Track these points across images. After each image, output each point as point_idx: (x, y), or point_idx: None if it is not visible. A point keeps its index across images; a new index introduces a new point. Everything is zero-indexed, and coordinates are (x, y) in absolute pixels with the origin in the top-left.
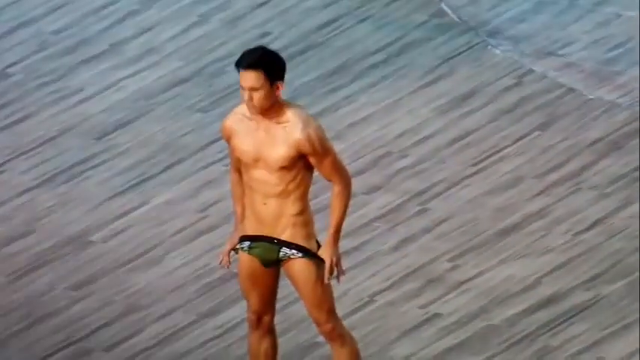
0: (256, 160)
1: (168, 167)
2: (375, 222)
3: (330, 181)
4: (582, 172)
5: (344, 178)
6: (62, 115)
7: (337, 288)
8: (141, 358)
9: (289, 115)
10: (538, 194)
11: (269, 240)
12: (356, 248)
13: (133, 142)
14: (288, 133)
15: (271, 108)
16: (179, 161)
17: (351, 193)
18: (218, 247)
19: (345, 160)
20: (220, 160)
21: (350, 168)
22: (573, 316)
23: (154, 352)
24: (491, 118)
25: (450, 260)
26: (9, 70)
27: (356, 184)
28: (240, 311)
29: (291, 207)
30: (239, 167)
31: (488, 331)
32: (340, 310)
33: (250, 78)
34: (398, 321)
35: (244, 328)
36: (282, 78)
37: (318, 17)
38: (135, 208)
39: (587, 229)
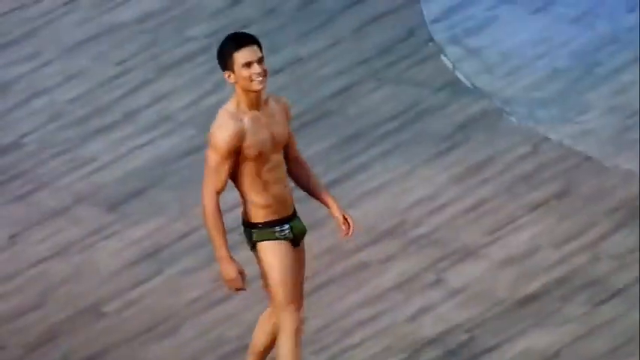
0: (274, 144)
1: (183, 236)
2: (391, 292)
3: (294, 156)
4: (601, 242)
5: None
6: (76, 185)
7: (355, 358)
8: None
9: (265, 93)
10: (556, 263)
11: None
12: (372, 318)
13: (147, 212)
14: (277, 105)
15: None
16: (193, 230)
17: None
18: (233, 316)
19: (359, 228)
20: (235, 228)
21: (365, 237)
22: None
23: None
24: (507, 187)
25: (468, 331)
26: (23, 140)
27: (371, 252)
28: None
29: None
30: (224, 188)
31: None
32: None
33: (257, 50)
34: None
35: None
36: None
37: (332, 85)
38: (148, 278)
39: (607, 299)
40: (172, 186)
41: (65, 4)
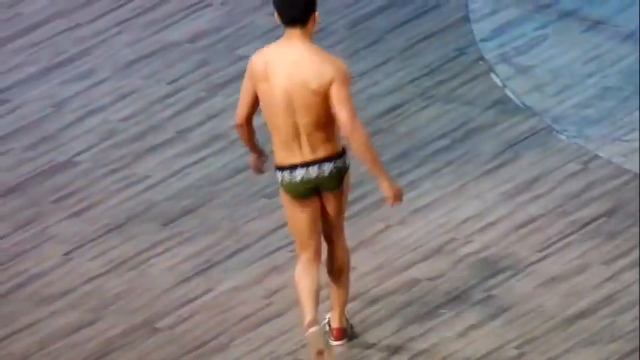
0: None
1: (234, 253)
2: (441, 308)
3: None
4: None
5: None
6: (129, 203)
7: None
8: None
9: None
10: (605, 281)
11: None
12: (422, 335)
13: (199, 229)
14: None
15: None
16: (244, 247)
17: None
18: (283, 334)
19: (409, 245)
20: (285, 246)
21: (415, 254)
22: None
23: None
24: (556, 204)
25: (517, 347)
26: (77, 159)
27: (421, 269)
28: None
29: None
30: None
31: None
32: None
33: None
34: None
35: None
36: None
37: (382, 103)
38: (200, 295)
39: None
40: (224, 204)
41: (118, 23)
